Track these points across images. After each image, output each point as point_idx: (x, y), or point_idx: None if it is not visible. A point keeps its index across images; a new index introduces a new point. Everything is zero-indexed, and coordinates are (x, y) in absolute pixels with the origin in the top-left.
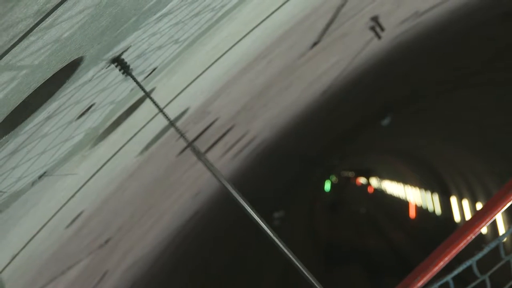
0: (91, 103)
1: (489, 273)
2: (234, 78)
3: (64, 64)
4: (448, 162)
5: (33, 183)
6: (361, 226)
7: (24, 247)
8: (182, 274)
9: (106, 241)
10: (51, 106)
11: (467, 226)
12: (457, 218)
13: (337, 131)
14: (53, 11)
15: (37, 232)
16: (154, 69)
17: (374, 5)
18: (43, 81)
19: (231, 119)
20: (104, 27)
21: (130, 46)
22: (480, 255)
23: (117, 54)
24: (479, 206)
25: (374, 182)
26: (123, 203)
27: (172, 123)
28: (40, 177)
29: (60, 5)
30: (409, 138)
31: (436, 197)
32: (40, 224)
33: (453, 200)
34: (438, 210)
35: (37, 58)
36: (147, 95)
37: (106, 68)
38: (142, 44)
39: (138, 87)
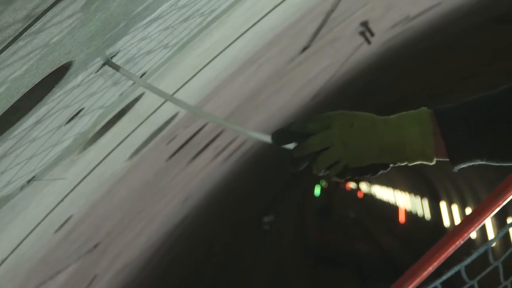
0: (80, 107)
1: (477, 278)
2: (225, 83)
3: (53, 69)
4: (437, 167)
5: (22, 188)
6: (350, 230)
7: (13, 251)
8: (172, 278)
9: (95, 246)
10: (40, 111)
11: (456, 231)
12: (446, 223)
13: None
14: (42, 16)
15: (26, 237)
16: (143, 74)
17: (364, 10)
18: (32, 85)
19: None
20: (93, 32)
21: (120, 51)
22: (468, 260)
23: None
24: (468, 211)
25: (363, 186)
26: (112, 207)
27: None
28: (29, 181)
29: (49, 10)
30: None
31: (425, 202)
32: (29, 228)
33: (443, 205)
34: (428, 215)
35: (26, 63)
36: None
37: (97, 71)
38: (132, 49)
39: (127, 92)
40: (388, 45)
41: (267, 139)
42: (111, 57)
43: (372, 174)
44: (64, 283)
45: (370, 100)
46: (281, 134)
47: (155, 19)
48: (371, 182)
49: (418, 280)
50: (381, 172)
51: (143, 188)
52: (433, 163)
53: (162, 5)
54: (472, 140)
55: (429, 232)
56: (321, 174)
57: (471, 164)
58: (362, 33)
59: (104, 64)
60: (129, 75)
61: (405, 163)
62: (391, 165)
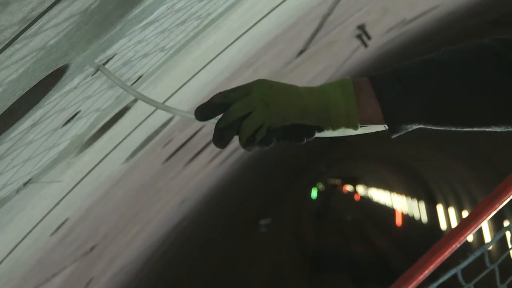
0: (77, 110)
1: (474, 282)
2: (221, 86)
3: (50, 72)
4: (434, 170)
5: (18, 190)
6: (347, 233)
7: (9, 254)
8: (168, 281)
9: (91, 248)
10: (36, 114)
11: (453, 234)
12: (443, 226)
13: (325, 138)
14: (39, 19)
15: (22, 239)
16: (139, 77)
17: (361, 13)
18: (28, 88)
19: None
20: (90, 35)
21: (116, 54)
22: (465, 263)
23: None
24: (465, 214)
25: (360, 189)
26: (108, 210)
27: None
28: (25, 184)
29: (46, 12)
30: (396, 145)
31: (422, 205)
32: (25, 231)
33: (439, 208)
34: (424, 218)
35: (22, 65)
36: None
37: (92, 75)
38: (128, 52)
39: (124, 95)
40: (385, 49)
41: (192, 116)
42: (105, 62)
43: (297, 139)
44: (60, 286)
45: None
46: (203, 108)
47: (151, 22)
48: (368, 185)
49: (414, 283)
50: (305, 138)
51: (139, 191)
52: (357, 129)
53: (158, 8)
54: (406, 96)
55: (425, 235)
56: (249, 148)
57: (409, 127)
58: (359, 36)
59: (97, 70)
60: (119, 83)
61: (329, 129)
62: (316, 131)
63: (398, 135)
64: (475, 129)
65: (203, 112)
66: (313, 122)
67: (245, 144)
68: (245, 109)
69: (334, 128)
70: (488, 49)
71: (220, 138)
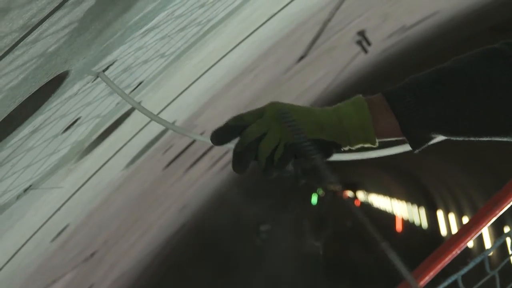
0: (77, 117)
1: None
2: (221, 92)
3: (50, 78)
4: (435, 176)
5: (19, 197)
6: (347, 239)
7: (9, 260)
8: (169, 287)
9: (92, 255)
10: (36, 120)
11: (453, 240)
12: (443, 232)
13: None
14: (39, 26)
15: (22, 246)
16: (140, 83)
17: (361, 19)
18: (29, 95)
19: None
20: (90, 41)
21: (116, 60)
22: (465, 269)
23: (104, 67)
24: (465, 220)
25: (360, 195)
26: (109, 216)
27: None
28: (26, 190)
29: (46, 19)
30: None
31: (422, 211)
32: (26, 237)
33: (440, 213)
34: (425, 224)
35: (22, 72)
36: None
37: (92, 82)
38: (128, 58)
39: (124, 102)
40: (385, 55)
41: (207, 140)
42: (105, 69)
43: (313, 154)
44: None
45: None
46: (219, 132)
47: (151, 29)
48: (369, 190)
49: None
50: (323, 156)
51: (139, 197)
52: (376, 144)
53: (159, 15)
54: (420, 104)
55: (426, 241)
56: (268, 171)
57: (427, 139)
58: (359, 42)
59: (96, 77)
60: (118, 91)
61: (347, 145)
62: (334, 149)
63: (420, 149)
64: (494, 138)
65: (219, 135)
66: (329, 136)
67: (265, 167)
68: (260, 129)
69: (352, 143)
70: (498, 53)
71: (240, 162)
